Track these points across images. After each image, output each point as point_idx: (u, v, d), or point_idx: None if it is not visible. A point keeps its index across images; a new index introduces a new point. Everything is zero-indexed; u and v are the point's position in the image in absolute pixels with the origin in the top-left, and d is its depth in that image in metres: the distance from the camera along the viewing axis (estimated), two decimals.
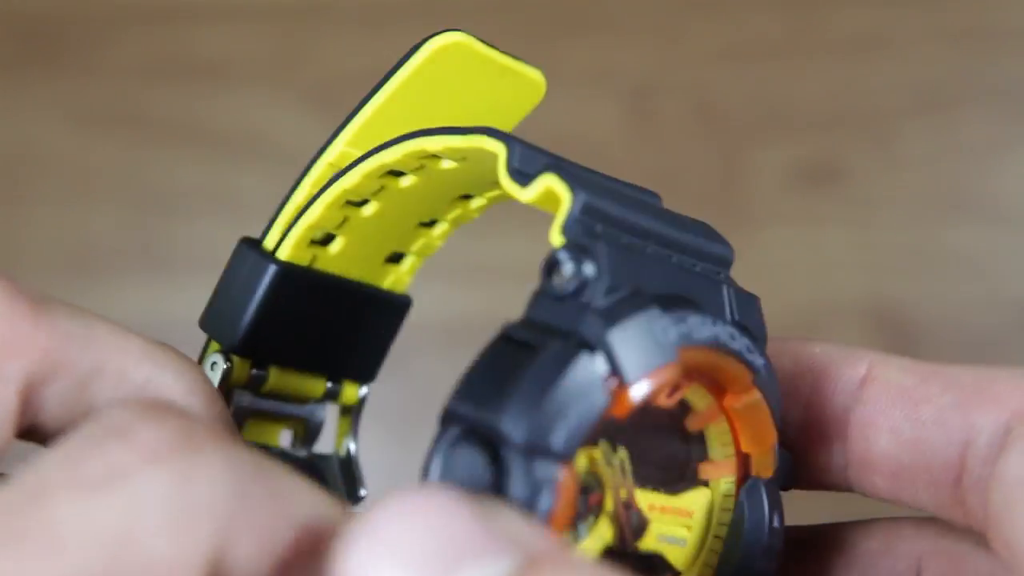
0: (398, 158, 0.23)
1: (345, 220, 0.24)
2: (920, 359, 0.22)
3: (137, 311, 0.54)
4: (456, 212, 0.25)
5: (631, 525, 0.20)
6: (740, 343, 0.21)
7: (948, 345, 0.53)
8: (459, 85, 0.25)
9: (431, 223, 0.25)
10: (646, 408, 0.20)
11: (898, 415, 0.22)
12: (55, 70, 0.58)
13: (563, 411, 0.18)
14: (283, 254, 0.23)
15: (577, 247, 0.21)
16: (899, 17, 0.58)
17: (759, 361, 0.21)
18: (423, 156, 0.23)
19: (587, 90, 0.57)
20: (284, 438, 0.25)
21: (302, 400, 0.25)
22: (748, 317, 0.21)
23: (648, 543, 0.21)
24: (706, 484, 0.22)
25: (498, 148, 0.23)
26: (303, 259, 0.24)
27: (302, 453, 0.25)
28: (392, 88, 0.25)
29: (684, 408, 0.21)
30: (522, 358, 0.18)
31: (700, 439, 0.22)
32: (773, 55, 0.58)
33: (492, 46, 0.26)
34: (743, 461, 0.21)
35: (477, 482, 0.18)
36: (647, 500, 0.21)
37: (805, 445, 0.23)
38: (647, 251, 0.21)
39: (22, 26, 0.59)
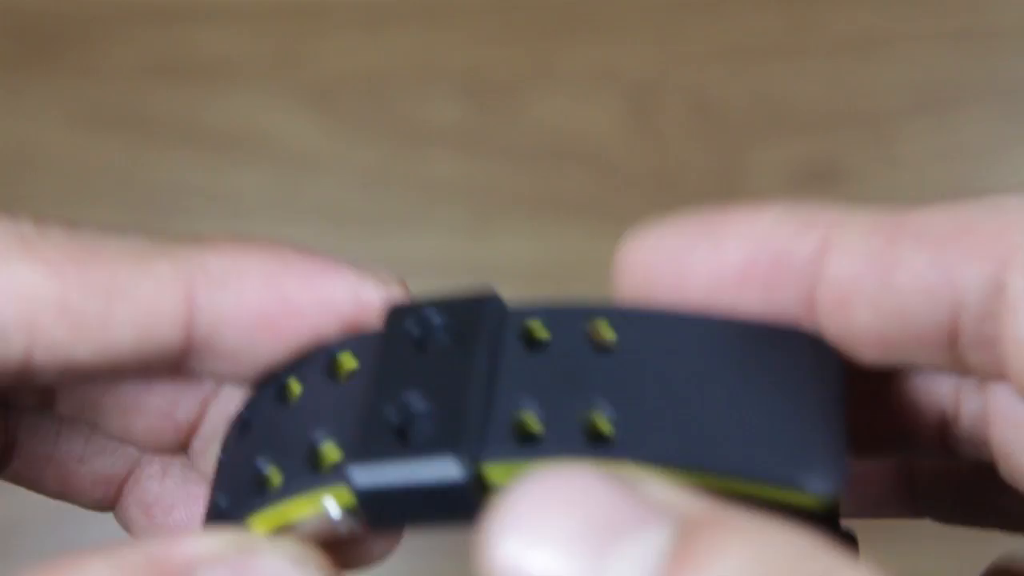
0: None
1: None
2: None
3: None
4: None
5: None
6: None
7: None
8: None
9: None
10: None
11: (871, 285, 0.19)
12: (55, 70, 0.58)
13: None
14: None
15: None
16: (899, 17, 0.58)
17: None
18: None
19: (587, 90, 0.57)
20: None
21: None
22: None
23: None
24: None
25: None
26: None
27: None
28: None
29: None
30: None
31: None
32: (773, 55, 0.58)
33: None
34: None
35: None
36: None
37: None
38: None
39: (22, 25, 0.59)
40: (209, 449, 0.23)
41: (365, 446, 0.19)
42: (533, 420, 0.19)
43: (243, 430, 0.21)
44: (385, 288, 0.22)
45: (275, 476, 0.20)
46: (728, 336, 0.20)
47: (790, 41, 0.58)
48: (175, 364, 0.21)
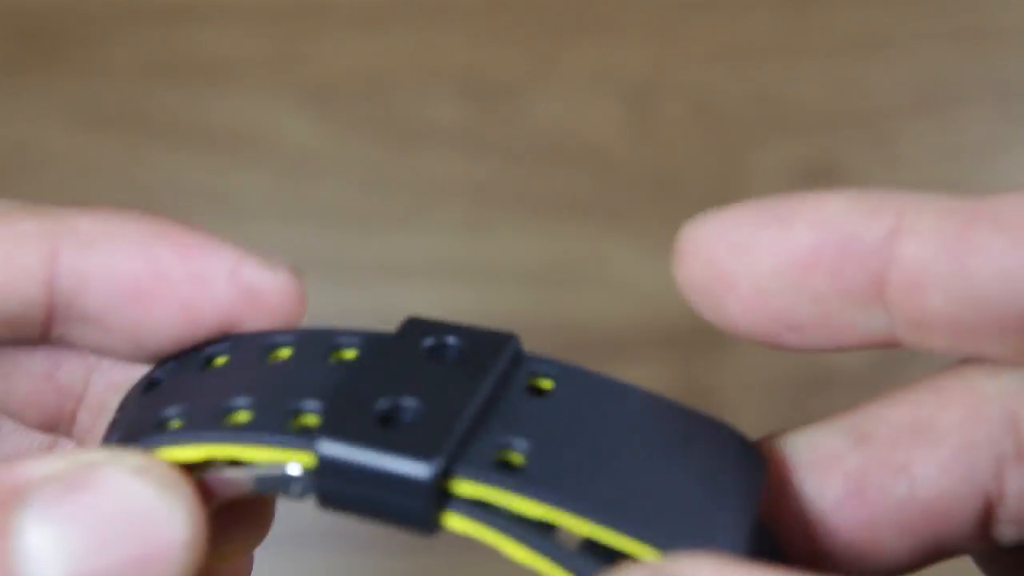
0: None
1: None
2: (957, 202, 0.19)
3: None
4: None
5: None
6: None
7: None
8: None
9: None
10: None
11: (945, 271, 0.19)
12: (55, 70, 0.58)
13: None
14: None
15: None
16: (899, 17, 0.58)
17: None
18: None
19: (587, 90, 0.57)
20: None
21: None
22: None
23: None
24: None
25: None
26: None
27: None
28: None
29: None
30: None
31: None
32: (773, 55, 0.58)
33: None
34: None
35: None
36: None
37: (830, 308, 0.20)
38: None
39: (22, 25, 0.59)
40: (98, 424, 0.22)
41: (346, 425, 0.19)
42: (518, 457, 0.19)
43: (193, 366, 0.21)
44: (270, 272, 0.21)
45: (243, 415, 0.20)
46: (660, 412, 0.20)
47: (790, 41, 0.58)
48: (43, 329, 0.21)
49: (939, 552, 0.21)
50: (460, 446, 0.19)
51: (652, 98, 0.57)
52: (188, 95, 0.58)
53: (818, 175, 0.56)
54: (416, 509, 0.19)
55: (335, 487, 0.19)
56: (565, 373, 0.21)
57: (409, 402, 0.20)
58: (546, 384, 0.20)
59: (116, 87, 0.58)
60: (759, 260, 0.20)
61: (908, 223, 0.19)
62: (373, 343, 0.21)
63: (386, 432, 0.19)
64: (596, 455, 0.19)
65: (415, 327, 0.21)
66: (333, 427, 0.19)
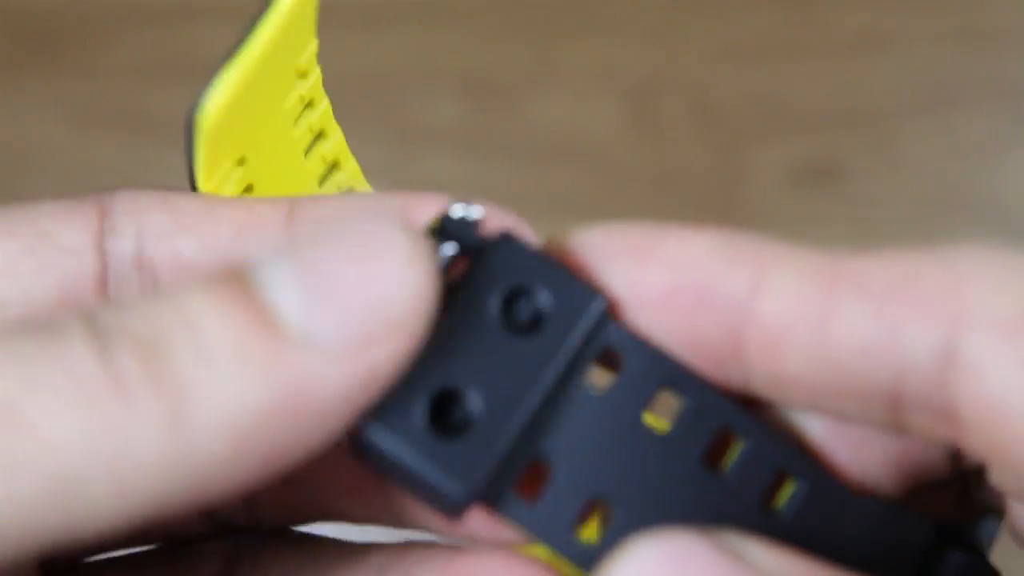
0: None
1: None
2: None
3: None
4: None
5: None
6: None
7: None
8: None
9: None
10: None
11: (804, 335, 0.18)
12: (54, 69, 0.58)
13: None
14: None
15: None
16: (899, 17, 0.58)
17: None
18: None
19: (587, 90, 0.57)
20: None
21: None
22: None
23: None
24: None
25: None
26: None
27: None
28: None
29: None
30: None
31: None
32: (773, 55, 0.58)
33: None
34: None
35: None
36: None
37: (682, 353, 0.19)
38: None
39: (21, 25, 0.59)
40: None
41: (397, 417, 0.18)
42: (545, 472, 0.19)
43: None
44: None
45: None
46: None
47: (790, 41, 0.58)
48: None
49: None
50: (501, 462, 0.18)
51: (652, 98, 0.57)
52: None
53: (818, 175, 0.56)
54: (443, 509, 0.18)
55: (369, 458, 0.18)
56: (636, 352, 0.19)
57: (475, 400, 0.18)
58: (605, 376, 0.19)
59: (116, 87, 0.58)
60: (616, 290, 0.19)
61: (769, 278, 0.18)
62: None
63: (435, 433, 0.18)
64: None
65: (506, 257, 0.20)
66: (385, 416, 0.18)
